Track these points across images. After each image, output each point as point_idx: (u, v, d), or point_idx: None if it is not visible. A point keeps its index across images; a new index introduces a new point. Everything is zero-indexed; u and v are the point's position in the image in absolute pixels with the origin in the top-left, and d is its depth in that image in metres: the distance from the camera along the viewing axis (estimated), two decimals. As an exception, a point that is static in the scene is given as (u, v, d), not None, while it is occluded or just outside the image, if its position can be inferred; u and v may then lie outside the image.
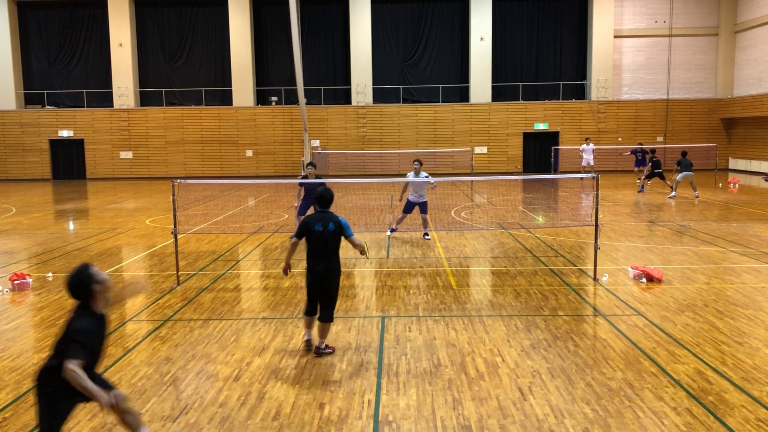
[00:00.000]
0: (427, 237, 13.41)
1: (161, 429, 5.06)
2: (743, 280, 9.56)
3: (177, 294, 9.21)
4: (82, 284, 4.16)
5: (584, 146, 27.36)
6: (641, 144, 27.15)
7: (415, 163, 13.07)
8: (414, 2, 33.49)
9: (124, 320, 8.00)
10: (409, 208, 13.49)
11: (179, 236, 11.59)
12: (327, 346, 6.65)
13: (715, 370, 6.07)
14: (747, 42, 31.43)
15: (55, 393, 4.10)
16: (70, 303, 8.67)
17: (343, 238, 6.55)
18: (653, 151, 23.49)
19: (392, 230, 13.99)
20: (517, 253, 11.85)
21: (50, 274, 10.45)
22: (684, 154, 20.85)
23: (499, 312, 8.10)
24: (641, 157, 25.36)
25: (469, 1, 32.73)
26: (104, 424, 5.14)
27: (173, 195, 9.74)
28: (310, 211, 12.83)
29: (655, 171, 21.92)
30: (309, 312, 6.71)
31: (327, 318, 6.54)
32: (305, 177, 12.93)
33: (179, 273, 9.92)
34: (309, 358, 6.55)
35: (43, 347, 7.00)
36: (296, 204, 13.05)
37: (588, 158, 26.99)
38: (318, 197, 6.60)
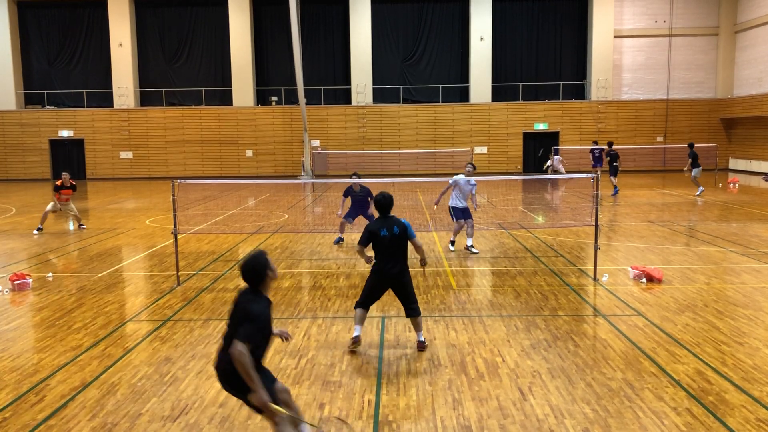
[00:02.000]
0: (473, 251, 11.84)
1: (161, 429, 5.06)
2: (743, 280, 9.56)
3: (177, 294, 9.21)
4: (257, 269, 4.32)
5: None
6: (596, 142, 26.91)
7: (468, 166, 11.90)
8: (414, 2, 33.49)
9: (124, 320, 8.00)
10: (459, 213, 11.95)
11: (179, 236, 11.59)
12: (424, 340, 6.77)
13: (715, 370, 6.07)
14: (747, 42, 31.43)
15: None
16: (69, 303, 8.71)
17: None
18: (610, 144, 23.18)
19: (470, 248, 11.94)
20: (517, 254, 11.84)
21: (50, 274, 10.45)
22: (692, 146, 20.84)
23: (499, 312, 8.10)
24: (598, 155, 25.22)
25: (469, 1, 32.74)
26: (104, 424, 5.14)
27: (173, 195, 9.74)
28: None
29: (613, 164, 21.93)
30: (363, 304, 6.78)
31: (417, 311, 6.69)
32: (350, 187, 12.50)
33: (179, 273, 9.92)
34: (309, 358, 6.55)
35: (43, 347, 7.00)
36: (339, 213, 12.87)
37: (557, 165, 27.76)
38: (377, 204, 6.74)
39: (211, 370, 6.25)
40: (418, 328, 6.74)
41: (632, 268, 9.82)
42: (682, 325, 7.43)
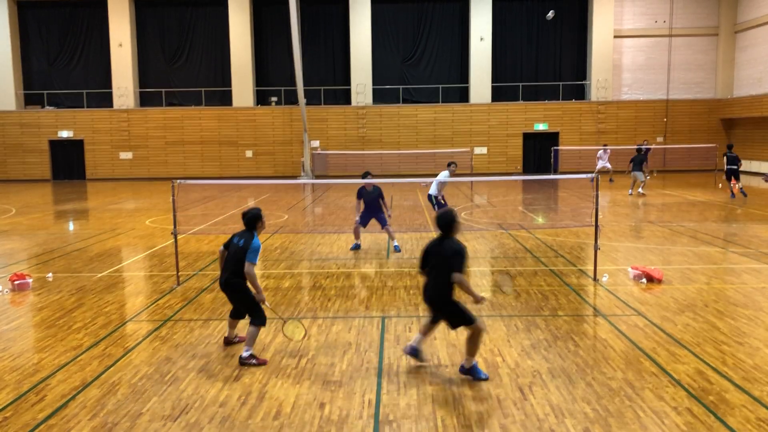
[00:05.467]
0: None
1: (162, 428, 5.07)
2: (743, 280, 9.56)
3: (177, 294, 9.21)
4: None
5: (600, 152, 27.26)
6: (646, 141, 26.78)
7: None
8: (414, 2, 33.49)
9: (124, 320, 8.00)
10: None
11: (179, 237, 11.58)
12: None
13: (715, 369, 6.08)
14: (747, 42, 31.43)
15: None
16: (69, 303, 8.72)
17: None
18: (730, 147, 21.06)
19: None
20: (517, 254, 11.85)
21: (50, 275, 10.45)
22: (639, 150, 20.62)
23: (499, 312, 8.10)
24: (643, 155, 25.10)
25: (469, 1, 32.74)
26: (105, 424, 5.14)
27: (173, 196, 9.75)
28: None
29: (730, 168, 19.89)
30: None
31: (252, 323, 6.60)
32: (363, 188, 11.84)
33: (179, 273, 9.92)
34: (309, 358, 6.55)
35: (43, 347, 7.00)
36: (357, 219, 12.03)
37: (604, 163, 26.78)
38: (243, 216, 6.76)
39: (211, 369, 6.26)
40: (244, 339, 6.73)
41: (632, 268, 9.82)
42: (682, 325, 7.43)
